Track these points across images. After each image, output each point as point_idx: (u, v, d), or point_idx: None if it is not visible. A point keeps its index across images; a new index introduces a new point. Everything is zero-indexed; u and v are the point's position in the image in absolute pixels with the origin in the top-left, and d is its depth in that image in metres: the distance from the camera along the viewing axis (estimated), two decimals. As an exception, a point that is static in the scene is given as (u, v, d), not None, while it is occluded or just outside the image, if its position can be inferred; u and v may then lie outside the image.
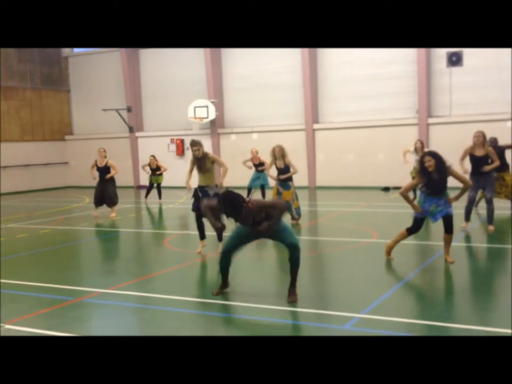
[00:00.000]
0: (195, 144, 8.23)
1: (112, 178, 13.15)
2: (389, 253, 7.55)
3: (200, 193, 8.14)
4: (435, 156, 6.94)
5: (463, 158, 9.53)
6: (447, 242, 7.25)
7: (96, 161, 13.21)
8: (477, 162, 9.33)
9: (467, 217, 9.68)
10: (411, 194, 9.06)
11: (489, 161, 9.43)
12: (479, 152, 9.31)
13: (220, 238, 8.11)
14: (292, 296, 5.67)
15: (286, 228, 5.75)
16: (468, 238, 9.21)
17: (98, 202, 13.15)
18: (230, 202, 5.34)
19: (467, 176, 9.48)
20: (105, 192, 13.03)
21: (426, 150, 12.51)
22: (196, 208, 8.11)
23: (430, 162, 6.85)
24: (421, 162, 6.98)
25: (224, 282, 6.06)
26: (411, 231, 7.35)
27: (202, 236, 8.34)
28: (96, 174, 13.23)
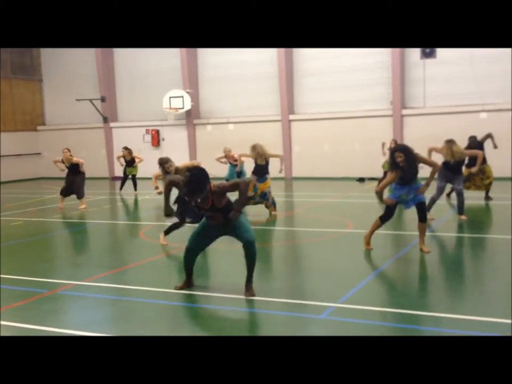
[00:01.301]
0: (167, 161, 8.25)
1: (81, 170, 13.03)
2: (368, 243, 7.62)
3: (182, 203, 8.02)
4: (404, 150, 7.12)
5: (429, 154, 9.68)
6: (422, 231, 7.35)
7: (62, 160, 13.11)
8: (450, 168, 9.52)
9: (429, 208, 9.46)
10: None
11: (464, 161, 9.73)
12: (452, 161, 9.49)
13: (167, 230, 8.37)
14: (250, 291, 5.58)
15: (243, 224, 5.58)
16: (441, 228, 9.34)
17: (66, 193, 13.00)
18: (199, 179, 5.22)
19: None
20: (74, 183, 12.93)
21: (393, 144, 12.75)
22: (178, 215, 8.09)
23: (401, 158, 7.03)
24: (392, 158, 7.11)
25: (188, 280, 5.94)
26: (384, 218, 7.46)
27: (167, 232, 8.45)
28: (62, 166, 13.18)
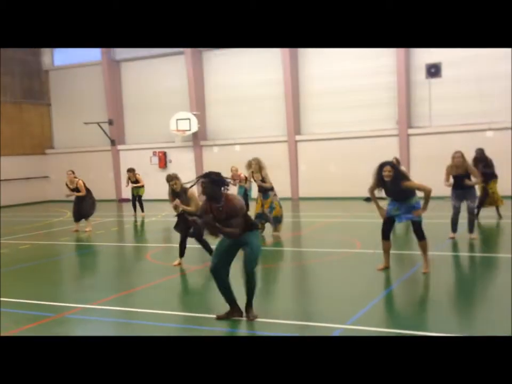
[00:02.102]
0: (171, 179, 8.23)
1: (89, 193, 13.03)
2: (384, 263, 7.58)
3: (186, 215, 8.09)
4: (395, 167, 7.25)
5: (447, 179, 9.63)
6: (422, 249, 7.35)
7: (66, 184, 13.11)
8: (459, 178, 9.47)
9: (454, 228, 9.71)
10: None
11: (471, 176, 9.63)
12: (460, 171, 9.46)
13: (181, 252, 8.38)
14: (252, 314, 5.52)
15: (253, 250, 5.41)
16: (450, 247, 9.27)
17: (78, 217, 13.02)
18: (214, 181, 5.25)
19: (450, 192, 9.65)
20: (82, 206, 12.93)
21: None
22: (181, 229, 8.14)
23: (389, 173, 7.10)
24: (380, 170, 7.17)
25: (231, 306, 5.57)
26: (382, 232, 7.46)
27: (181, 254, 8.44)
28: (67, 191, 13.14)
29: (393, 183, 7.11)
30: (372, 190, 7.49)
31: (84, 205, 12.91)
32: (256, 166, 10.79)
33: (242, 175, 13.62)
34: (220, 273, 5.48)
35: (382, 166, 7.21)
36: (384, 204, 7.70)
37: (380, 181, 7.22)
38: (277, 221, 10.91)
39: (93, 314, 6.02)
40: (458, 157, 9.44)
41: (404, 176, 7.24)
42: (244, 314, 5.56)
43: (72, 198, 13.19)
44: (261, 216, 10.89)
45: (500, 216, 11.94)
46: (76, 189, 12.98)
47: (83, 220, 13.06)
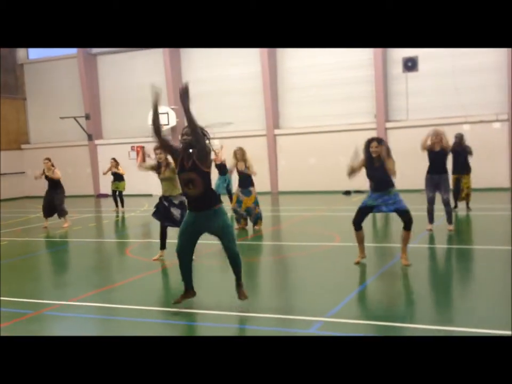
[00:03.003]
0: (157, 147, 8.17)
1: (60, 187, 12.78)
2: (359, 255, 7.59)
3: (165, 202, 8.11)
4: (382, 143, 7.15)
5: (425, 143, 9.74)
6: (404, 240, 7.24)
7: (44, 170, 12.85)
8: (434, 158, 9.57)
9: (430, 219, 9.82)
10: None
11: (446, 159, 9.73)
12: (437, 148, 9.59)
13: (162, 244, 8.38)
14: (243, 293, 5.66)
15: (231, 232, 5.54)
16: (428, 239, 9.38)
17: (48, 212, 12.79)
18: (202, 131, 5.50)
19: (424, 175, 9.76)
20: (54, 202, 12.67)
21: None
22: (160, 217, 8.13)
23: (376, 148, 7.04)
24: (367, 146, 7.11)
25: (187, 289, 5.77)
26: (354, 223, 7.35)
27: (163, 246, 8.36)
28: (38, 174, 12.92)
29: (379, 160, 7.05)
30: (353, 168, 7.20)
31: (55, 200, 12.64)
32: (241, 155, 10.83)
33: (221, 156, 13.12)
34: (185, 254, 5.63)
35: (369, 142, 7.14)
36: (361, 199, 7.63)
37: (367, 157, 7.09)
38: (258, 217, 10.99)
39: (72, 311, 5.96)
40: (439, 134, 9.53)
41: (388, 153, 7.13)
42: (237, 296, 5.69)
43: (43, 193, 12.93)
44: (237, 212, 10.92)
45: (469, 209, 12.13)
46: (52, 182, 12.71)
47: (54, 216, 12.85)
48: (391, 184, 7.17)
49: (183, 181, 5.49)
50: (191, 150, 5.42)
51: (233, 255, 5.57)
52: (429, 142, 9.71)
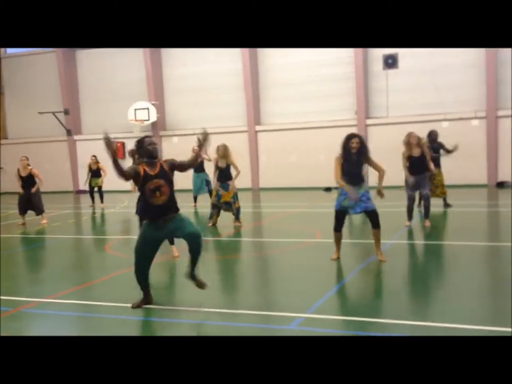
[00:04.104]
0: (133, 152, 8.18)
1: (36, 185, 12.51)
2: (337, 255, 7.61)
3: None
4: (362, 140, 7.22)
5: (406, 163, 9.84)
6: (376, 237, 7.35)
7: (18, 170, 12.56)
8: (415, 161, 9.72)
9: (409, 216, 9.99)
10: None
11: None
12: (416, 153, 9.71)
13: (171, 241, 7.96)
14: (202, 281, 5.63)
15: (185, 218, 5.50)
16: (407, 235, 9.47)
17: (23, 210, 12.58)
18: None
19: (403, 172, 9.86)
20: (31, 201, 12.45)
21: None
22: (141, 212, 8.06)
23: (357, 144, 7.09)
24: (347, 141, 7.15)
25: (145, 296, 5.70)
26: (335, 227, 7.40)
27: None
28: (18, 181, 12.53)
29: (358, 155, 7.11)
30: (338, 173, 7.18)
31: (33, 197, 12.45)
32: (222, 152, 10.77)
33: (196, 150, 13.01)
34: (144, 266, 5.58)
35: (349, 138, 7.18)
36: (334, 197, 7.62)
37: (345, 152, 7.14)
38: (238, 211, 10.96)
39: (51, 308, 5.90)
40: (415, 137, 9.67)
41: (368, 151, 7.22)
42: (195, 284, 5.62)
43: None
44: (216, 207, 10.87)
45: (448, 205, 12.24)
46: (27, 178, 12.47)
47: (30, 212, 12.64)
48: (363, 180, 7.29)
49: (150, 190, 5.37)
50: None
51: (195, 234, 5.37)
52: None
